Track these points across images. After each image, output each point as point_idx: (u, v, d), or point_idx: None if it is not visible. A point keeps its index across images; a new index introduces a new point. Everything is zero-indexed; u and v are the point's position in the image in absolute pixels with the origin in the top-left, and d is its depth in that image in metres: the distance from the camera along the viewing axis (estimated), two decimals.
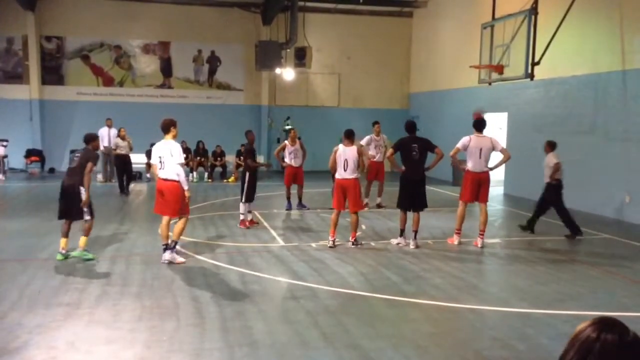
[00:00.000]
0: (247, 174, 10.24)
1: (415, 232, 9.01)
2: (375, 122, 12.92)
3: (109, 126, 16.36)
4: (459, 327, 5.81)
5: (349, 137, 8.98)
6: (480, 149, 8.94)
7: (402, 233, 9.13)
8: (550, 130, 13.76)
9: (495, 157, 9.29)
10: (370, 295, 6.56)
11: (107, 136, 16.07)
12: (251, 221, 10.45)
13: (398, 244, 9.08)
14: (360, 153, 8.97)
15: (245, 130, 11.07)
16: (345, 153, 8.83)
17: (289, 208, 12.26)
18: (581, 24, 12.42)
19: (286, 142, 12.38)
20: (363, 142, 12.59)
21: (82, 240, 7.83)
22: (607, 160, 12.04)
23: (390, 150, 9.21)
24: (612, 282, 7.42)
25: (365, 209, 12.43)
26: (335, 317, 5.80)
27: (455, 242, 9.22)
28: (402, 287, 6.92)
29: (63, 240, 7.82)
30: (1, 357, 4.71)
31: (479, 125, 9.24)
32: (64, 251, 7.80)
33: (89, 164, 7.79)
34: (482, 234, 9.15)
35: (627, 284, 7.37)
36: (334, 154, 8.94)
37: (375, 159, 12.60)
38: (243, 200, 10.29)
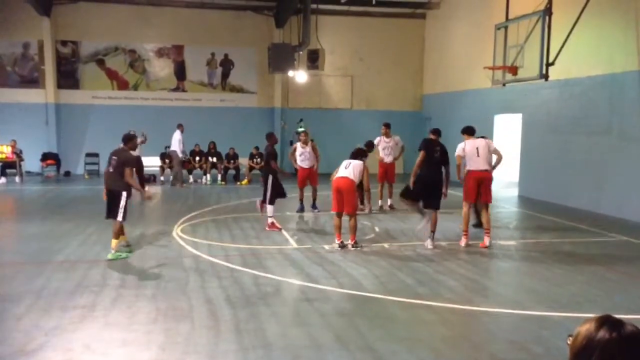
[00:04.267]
0: (271, 177, 10.22)
1: (433, 232, 9.05)
2: (385, 124, 12.90)
3: (182, 131, 16.84)
4: (474, 329, 5.77)
5: (356, 155, 9.18)
6: (477, 148, 9.08)
7: (432, 235, 9.09)
8: (565, 131, 13.66)
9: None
10: (384, 297, 6.54)
11: (181, 141, 16.67)
12: (272, 224, 10.42)
13: (427, 246, 9.05)
14: (367, 171, 9.00)
15: (267, 133, 11.11)
16: (351, 161, 9.00)
17: (301, 210, 12.27)
18: (596, 24, 12.30)
19: (297, 144, 12.37)
20: (376, 144, 12.65)
21: (113, 242, 8.18)
22: (623, 162, 11.90)
23: (421, 154, 9.08)
24: (630, 284, 7.33)
25: (367, 211, 12.42)
26: (349, 320, 5.79)
27: (462, 244, 9.15)
28: (416, 289, 6.89)
29: (114, 241, 8.16)
30: (18, 359, 4.75)
31: (470, 130, 9.45)
32: (113, 251, 8.13)
33: (127, 170, 8.08)
34: (488, 233, 9.13)
35: None
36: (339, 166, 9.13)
37: (384, 161, 12.66)
38: (270, 203, 10.27)
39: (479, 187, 9.11)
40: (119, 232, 8.21)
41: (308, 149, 12.14)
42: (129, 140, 8.55)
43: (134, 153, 14.48)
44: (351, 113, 21.41)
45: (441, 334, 5.52)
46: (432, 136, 9.40)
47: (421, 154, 9.08)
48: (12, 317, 5.71)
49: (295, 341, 5.22)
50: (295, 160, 12.29)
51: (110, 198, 8.16)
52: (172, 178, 17.05)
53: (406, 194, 9.24)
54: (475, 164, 9.09)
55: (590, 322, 1.58)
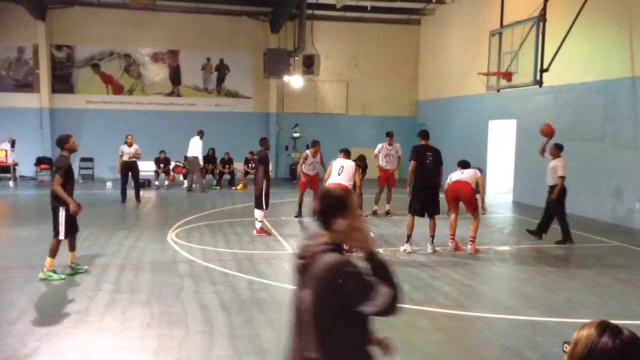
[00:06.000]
0: (265, 181, 10.22)
1: (432, 236, 9.15)
2: (388, 133, 12.94)
3: (201, 137, 16.98)
4: (469, 335, 5.77)
5: (346, 153, 9.37)
6: (463, 172, 9.30)
7: (408, 239, 9.12)
8: (559, 137, 13.67)
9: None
10: None
11: (192, 145, 16.77)
12: (261, 229, 10.40)
13: (404, 250, 9.09)
14: (357, 169, 9.10)
15: (260, 138, 11.13)
16: (343, 162, 9.08)
17: (299, 215, 12.24)
18: (590, 31, 12.38)
19: (308, 152, 12.30)
20: (375, 150, 12.75)
21: (47, 261, 7.24)
22: (617, 167, 11.96)
23: (411, 164, 9.17)
24: (624, 290, 7.35)
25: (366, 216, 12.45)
26: None
27: (447, 248, 9.34)
28: (411, 294, 6.88)
29: (48, 259, 7.26)
30: None
31: (464, 164, 9.55)
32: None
33: (55, 177, 7.12)
34: (471, 241, 9.16)
35: (639, 291, 7.30)
36: (330, 167, 9.16)
37: (385, 168, 12.76)
38: (265, 208, 10.26)
39: (457, 196, 9.20)
40: (55, 251, 7.24)
41: (318, 159, 12.18)
42: (63, 142, 7.49)
43: (130, 159, 14.58)
44: (346, 118, 21.44)
45: (436, 339, 5.52)
46: (421, 141, 9.33)
47: (412, 164, 9.16)
48: (5, 322, 5.68)
49: None
50: (302, 169, 12.30)
51: (52, 213, 7.25)
52: (189, 184, 16.89)
53: (412, 211, 9.21)
54: (456, 177, 9.30)
55: (588, 329, 1.58)
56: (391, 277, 2.38)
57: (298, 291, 2.47)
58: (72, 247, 7.56)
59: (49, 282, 7.10)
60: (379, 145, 12.92)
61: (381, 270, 2.40)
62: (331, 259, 2.32)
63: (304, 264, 2.44)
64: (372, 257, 2.43)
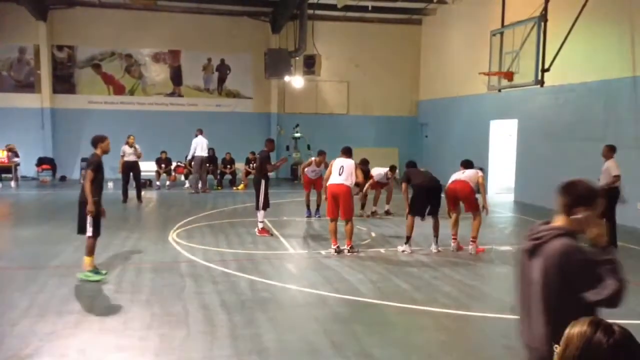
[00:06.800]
0: (263, 181, 10.24)
1: (436, 236, 9.18)
2: (392, 168, 12.79)
3: (201, 133, 16.76)
4: (471, 335, 5.77)
5: (346, 152, 9.22)
6: (464, 172, 9.37)
7: (407, 240, 9.13)
8: (560, 137, 13.71)
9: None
10: (381, 302, 6.54)
11: (200, 145, 16.57)
12: (263, 230, 10.42)
13: (403, 251, 9.10)
14: (357, 166, 9.13)
15: (267, 138, 11.25)
16: (342, 161, 9.01)
17: (309, 215, 12.30)
18: (591, 31, 12.37)
19: (313, 160, 12.23)
20: (375, 174, 12.52)
21: (85, 260, 7.22)
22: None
23: (403, 186, 9.40)
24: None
25: (364, 216, 12.44)
26: (345, 325, 5.78)
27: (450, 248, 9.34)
28: (413, 294, 6.89)
29: (86, 259, 7.25)
30: None
31: (466, 164, 9.62)
32: (85, 270, 7.24)
33: (88, 172, 7.11)
34: (472, 241, 9.18)
35: (639, 291, 7.30)
36: (330, 166, 9.17)
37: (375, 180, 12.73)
38: (264, 208, 10.26)
39: (456, 196, 9.20)
40: (91, 249, 7.20)
41: (322, 168, 12.15)
42: (98, 141, 7.39)
43: (131, 158, 14.58)
44: (347, 118, 21.43)
45: (437, 339, 5.52)
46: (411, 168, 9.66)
47: (403, 185, 9.36)
48: (6, 323, 5.68)
49: (291, 346, 5.21)
50: (304, 171, 12.34)
51: (79, 210, 7.24)
52: (196, 184, 16.71)
53: (413, 212, 9.22)
54: (456, 176, 9.31)
55: (580, 327, 1.57)
56: (619, 271, 2.47)
57: (526, 271, 2.62)
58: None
59: (49, 283, 7.10)
60: (382, 173, 12.52)
61: (610, 263, 2.49)
62: (564, 244, 2.47)
63: (535, 245, 2.58)
64: (604, 251, 2.54)
